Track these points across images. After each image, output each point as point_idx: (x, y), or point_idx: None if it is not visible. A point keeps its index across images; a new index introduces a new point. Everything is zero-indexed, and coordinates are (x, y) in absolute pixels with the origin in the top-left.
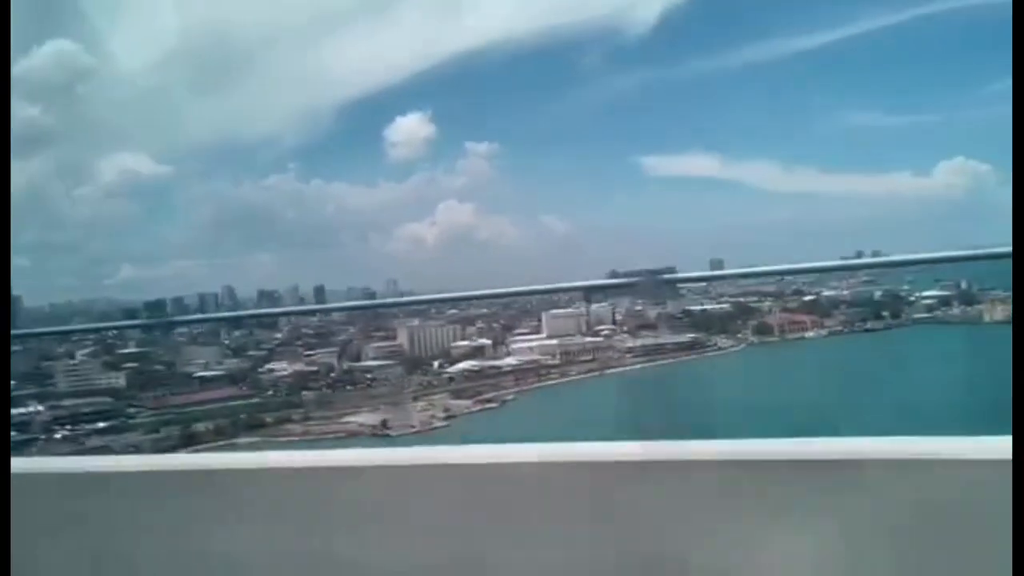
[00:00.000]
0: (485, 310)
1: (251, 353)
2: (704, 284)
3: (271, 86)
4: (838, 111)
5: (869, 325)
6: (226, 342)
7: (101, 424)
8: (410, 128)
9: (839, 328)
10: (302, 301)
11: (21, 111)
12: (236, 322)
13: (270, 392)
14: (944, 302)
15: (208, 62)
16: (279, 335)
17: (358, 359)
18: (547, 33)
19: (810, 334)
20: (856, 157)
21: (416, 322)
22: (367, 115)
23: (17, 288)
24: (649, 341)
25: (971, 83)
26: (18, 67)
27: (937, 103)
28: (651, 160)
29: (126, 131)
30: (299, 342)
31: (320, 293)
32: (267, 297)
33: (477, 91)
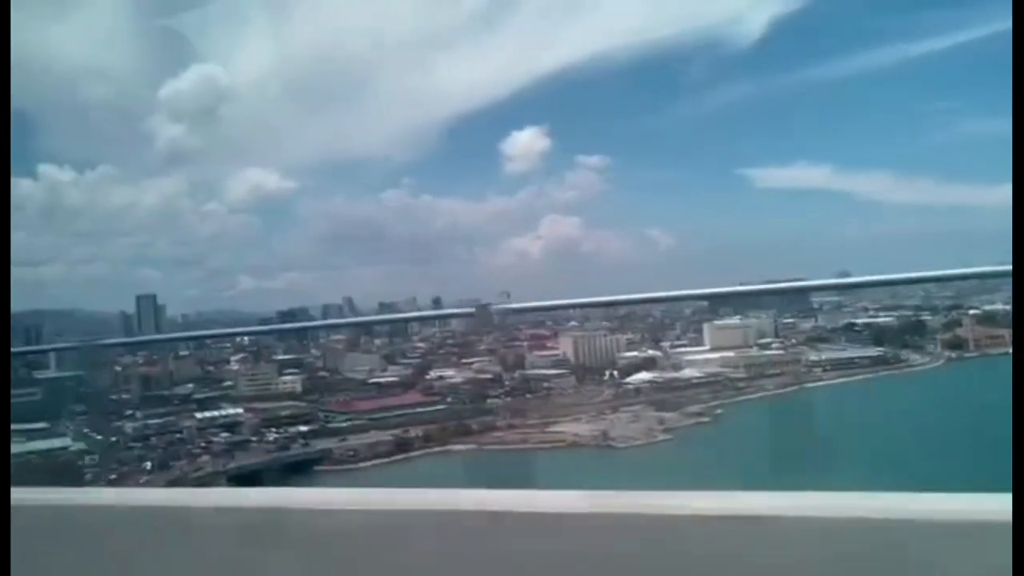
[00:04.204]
0: (607, 323)
1: (403, 360)
2: (838, 297)
3: (386, 104)
4: (956, 119)
5: None
6: (372, 350)
7: (303, 428)
8: (525, 142)
9: None
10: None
11: (166, 131)
12: (369, 328)
13: (450, 399)
14: None
15: (326, 84)
16: (421, 344)
17: (522, 367)
18: (654, 45)
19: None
20: (976, 167)
21: (578, 331)
22: (476, 130)
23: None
24: (834, 355)
25: None
26: (167, 89)
27: None
28: (759, 171)
29: (253, 149)
30: (441, 350)
31: (437, 304)
32: (387, 308)
33: (587, 104)
